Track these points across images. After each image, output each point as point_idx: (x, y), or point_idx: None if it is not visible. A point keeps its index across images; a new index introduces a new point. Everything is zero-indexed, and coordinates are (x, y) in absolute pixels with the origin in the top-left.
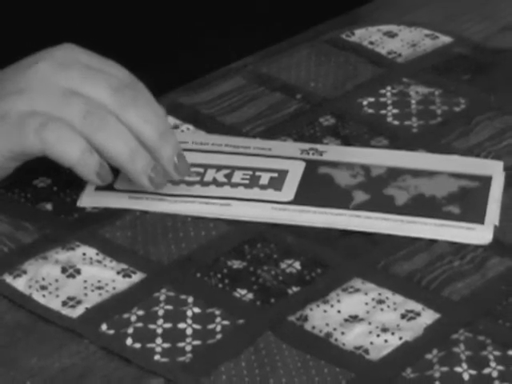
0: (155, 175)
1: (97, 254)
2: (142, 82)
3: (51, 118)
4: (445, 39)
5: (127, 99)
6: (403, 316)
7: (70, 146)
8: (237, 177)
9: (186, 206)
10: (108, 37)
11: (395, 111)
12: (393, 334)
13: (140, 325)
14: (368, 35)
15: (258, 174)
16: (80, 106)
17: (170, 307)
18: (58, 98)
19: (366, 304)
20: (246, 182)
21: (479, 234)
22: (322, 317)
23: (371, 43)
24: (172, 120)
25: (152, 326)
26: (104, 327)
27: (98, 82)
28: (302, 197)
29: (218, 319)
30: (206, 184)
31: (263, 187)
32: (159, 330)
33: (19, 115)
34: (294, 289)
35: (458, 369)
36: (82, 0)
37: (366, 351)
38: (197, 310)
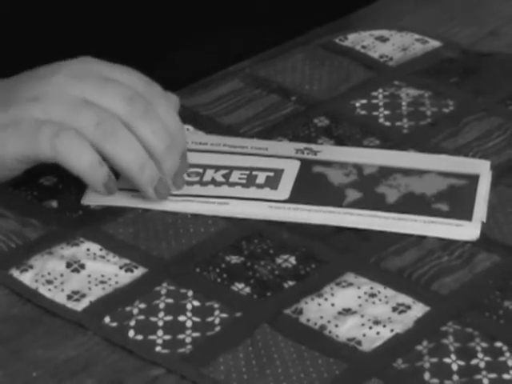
0: (160, 187)
1: (100, 250)
2: None
3: (64, 127)
4: (434, 43)
5: (139, 110)
6: (394, 309)
7: (80, 156)
8: (234, 176)
9: (186, 205)
10: (109, 42)
11: (387, 112)
12: (384, 326)
13: (142, 317)
14: (360, 39)
15: (254, 173)
16: (92, 116)
17: (170, 301)
18: (72, 107)
19: (359, 297)
20: (244, 181)
21: (467, 231)
22: (316, 310)
23: (364, 47)
24: None
25: (153, 319)
26: (107, 320)
27: (112, 91)
28: (297, 195)
29: (217, 312)
30: (205, 184)
31: (260, 186)
32: (160, 323)
33: (35, 122)
34: (290, 283)
35: (446, 360)
36: (83, 1)
37: (359, 343)
38: (196, 303)
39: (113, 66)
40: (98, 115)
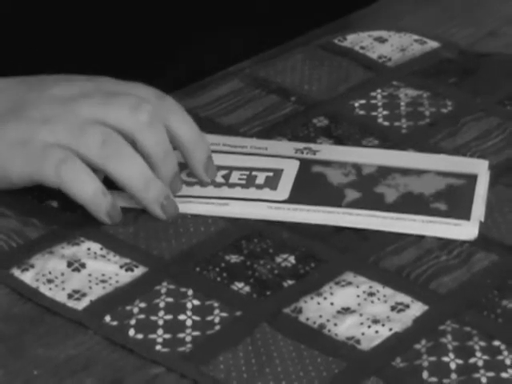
0: (168, 204)
1: (101, 249)
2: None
3: (70, 155)
4: (433, 44)
5: (143, 119)
6: (393, 308)
7: (84, 186)
8: (234, 177)
9: (186, 206)
10: (109, 43)
11: (385, 113)
12: (383, 325)
13: (142, 316)
14: (359, 40)
15: (254, 173)
16: (96, 137)
17: (170, 299)
18: (77, 128)
19: (358, 296)
20: (243, 182)
21: (465, 230)
22: (315, 309)
23: (362, 48)
24: None
25: (153, 318)
26: (108, 319)
27: (118, 102)
28: (297, 195)
29: (217, 311)
30: (205, 185)
31: (259, 187)
32: (160, 322)
33: (42, 146)
34: (289, 282)
35: (445, 358)
36: (82, 2)
37: (358, 341)
38: (196, 302)
39: (126, 84)
40: (102, 135)
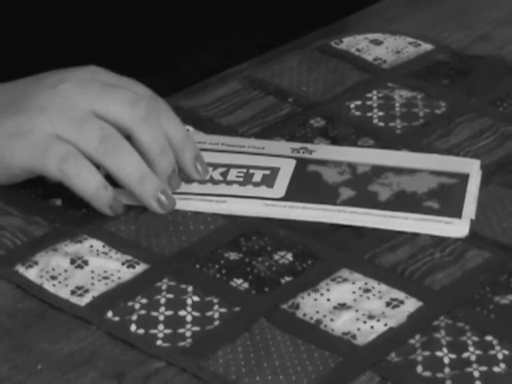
0: (164, 198)
1: (103, 247)
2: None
3: (72, 150)
4: (426, 47)
5: (140, 114)
6: (388, 304)
7: (86, 181)
8: (232, 175)
9: (184, 203)
10: (109, 45)
11: (380, 113)
12: (378, 320)
13: (143, 312)
14: (355, 43)
15: (251, 171)
16: (96, 132)
17: (171, 296)
18: (77, 122)
19: (354, 293)
20: (241, 179)
21: (456, 228)
22: (312, 305)
23: (358, 50)
24: None
25: (154, 314)
26: (110, 314)
27: (115, 96)
28: (293, 193)
29: (216, 307)
30: (203, 182)
31: (256, 184)
32: (161, 317)
33: (44, 138)
34: (287, 279)
35: (438, 353)
36: (83, 2)
37: (354, 337)
38: (196, 298)
39: (119, 77)
40: (101, 131)
